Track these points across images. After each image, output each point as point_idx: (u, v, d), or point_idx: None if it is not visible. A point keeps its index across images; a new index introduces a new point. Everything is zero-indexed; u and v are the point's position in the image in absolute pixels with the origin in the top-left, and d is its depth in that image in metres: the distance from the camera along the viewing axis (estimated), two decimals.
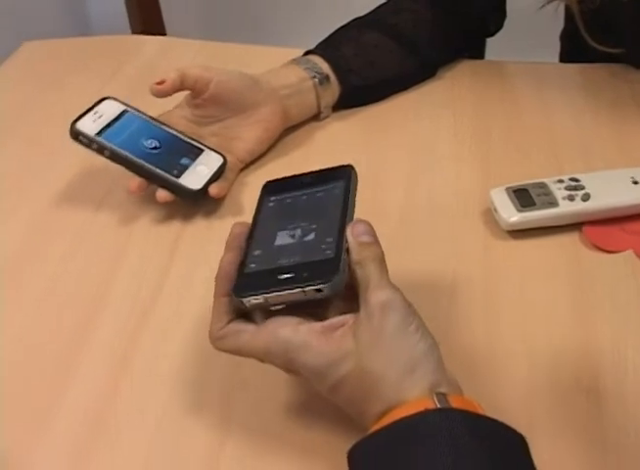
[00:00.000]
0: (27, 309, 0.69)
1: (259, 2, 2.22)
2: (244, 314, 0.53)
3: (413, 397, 0.47)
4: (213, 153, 0.78)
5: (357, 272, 0.51)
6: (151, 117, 0.80)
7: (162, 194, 0.75)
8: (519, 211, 0.71)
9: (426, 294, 0.67)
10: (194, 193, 0.75)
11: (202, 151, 0.78)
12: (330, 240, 0.53)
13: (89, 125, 0.76)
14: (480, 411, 0.47)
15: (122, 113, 0.79)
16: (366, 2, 0.97)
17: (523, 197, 0.72)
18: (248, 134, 0.82)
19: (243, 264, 0.53)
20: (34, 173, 0.86)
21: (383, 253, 0.53)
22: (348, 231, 0.53)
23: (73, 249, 0.75)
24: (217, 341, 0.53)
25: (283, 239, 0.55)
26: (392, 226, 0.75)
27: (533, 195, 0.73)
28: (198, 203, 0.77)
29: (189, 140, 0.79)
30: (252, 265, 0.53)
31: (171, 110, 0.82)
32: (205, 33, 2.11)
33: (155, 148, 0.77)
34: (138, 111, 0.80)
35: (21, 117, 0.95)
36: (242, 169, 0.83)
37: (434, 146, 0.86)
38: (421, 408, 0.46)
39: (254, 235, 0.56)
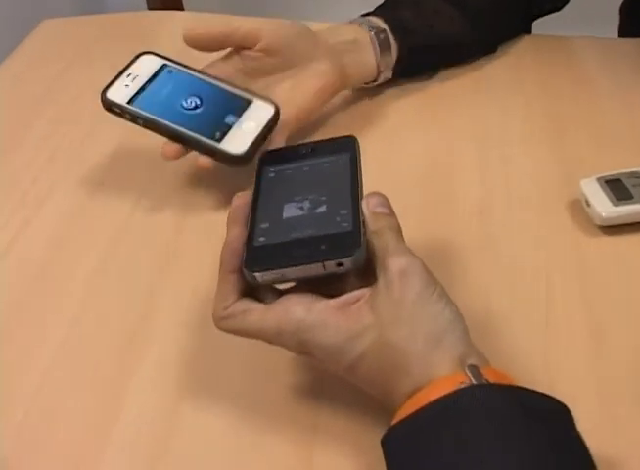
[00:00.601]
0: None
1: None
2: (250, 293, 0.50)
3: (444, 371, 0.45)
4: (264, 102, 0.69)
5: (374, 242, 0.49)
6: (194, 69, 0.71)
7: (202, 160, 0.68)
8: (615, 204, 0.64)
9: (519, 298, 0.60)
10: (236, 158, 0.66)
11: (250, 102, 0.69)
12: (345, 212, 0.51)
13: (121, 92, 0.68)
14: (515, 382, 0.45)
15: (161, 68, 0.70)
16: None
17: (617, 188, 0.65)
18: (304, 88, 0.74)
19: (250, 238, 0.51)
20: (65, 157, 0.78)
21: (399, 224, 0.51)
22: (363, 203, 0.51)
23: (113, 243, 0.68)
24: (222, 321, 0.50)
25: (291, 211, 0.52)
26: (471, 222, 0.68)
27: (629, 186, 0.65)
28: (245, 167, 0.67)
29: (235, 91, 0.70)
30: (262, 239, 0.51)
31: (215, 61, 0.74)
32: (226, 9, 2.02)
33: (195, 107, 0.68)
34: (179, 63, 0.71)
35: (45, 98, 0.87)
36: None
37: (504, 131, 0.78)
38: (455, 385, 0.43)
39: (258, 207, 0.53)
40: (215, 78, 0.70)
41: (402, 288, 0.46)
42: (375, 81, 0.83)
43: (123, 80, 0.69)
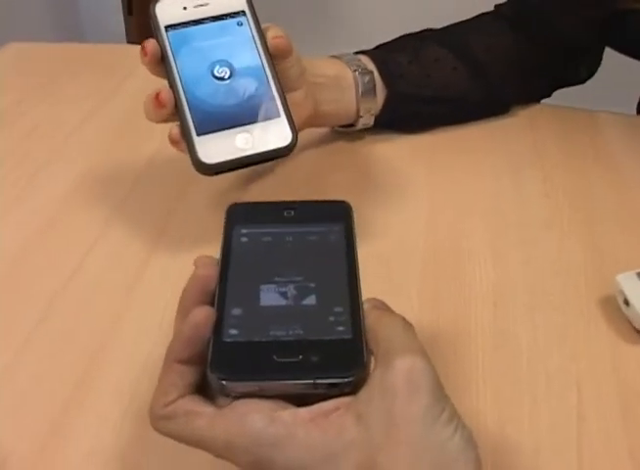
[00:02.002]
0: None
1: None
2: (201, 389, 0.40)
3: None
4: (286, 129, 0.56)
5: (375, 328, 0.40)
6: (264, 39, 0.58)
7: (174, 133, 0.56)
8: None
9: (543, 412, 0.49)
10: (197, 163, 0.54)
11: (277, 116, 0.56)
12: (339, 310, 0.41)
13: (172, 11, 0.57)
14: None
15: (236, 13, 0.59)
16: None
17: None
18: None
19: (218, 327, 0.40)
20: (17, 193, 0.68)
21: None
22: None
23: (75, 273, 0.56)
24: (160, 421, 0.39)
25: (271, 297, 0.42)
26: (483, 314, 0.57)
27: None
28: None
29: (275, 93, 0.57)
30: (234, 331, 0.40)
31: None
32: None
33: (221, 78, 0.57)
34: (258, 26, 0.59)
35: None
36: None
37: (521, 210, 0.68)
38: None
39: (228, 284, 0.42)
40: (273, 69, 0.58)
41: (406, 398, 0.36)
42: (353, 126, 0.74)
43: (187, 0, 0.58)
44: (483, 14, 0.81)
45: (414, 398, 0.36)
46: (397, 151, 0.75)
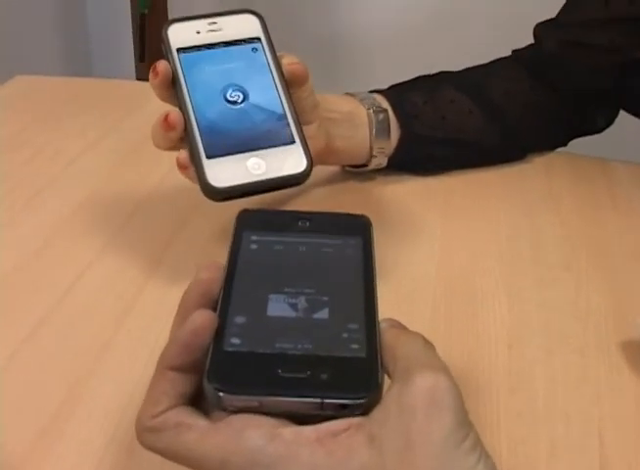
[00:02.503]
0: None
1: None
2: (194, 401, 0.36)
3: None
4: (301, 155, 0.53)
5: (393, 352, 0.36)
6: (279, 66, 0.56)
7: (182, 157, 0.53)
8: None
9: (564, 460, 0.45)
10: (205, 187, 0.51)
11: (292, 142, 0.53)
12: (354, 327, 0.37)
13: (185, 35, 0.55)
14: None
15: (252, 39, 0.57)
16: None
17: None
18: None
19: (219, 335, 0.37)
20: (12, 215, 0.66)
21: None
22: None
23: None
24: (146, 433, 0.35)
25: (279, 307, 0.39)
26: (497, 356, 0.53)
27: None
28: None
29: (290, 119, 0.54)
30: (236, 341, 0.37)
31: None
32: None
33: (233, 102, 0.54)
34: (274, 51, 0.57)
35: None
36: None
37: (537, 252, 0.65)
38: None
39: (233, 291, 0.39)
40: (288, 95, 0.55)
41: (426, 419, 0.33)
42: (365, 166, 0.71)
43: (202, 24, 0.56)
44: (501, 58, 0.80)
45: (435, 419, 0.33)
46: (410, 193, 0.73)
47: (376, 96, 0.72)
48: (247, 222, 0.45)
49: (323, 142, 0.64)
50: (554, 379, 0.51)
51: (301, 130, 0.54)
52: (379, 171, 0.73)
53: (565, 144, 0.82)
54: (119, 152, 0.77)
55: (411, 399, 0.33)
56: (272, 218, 0.46)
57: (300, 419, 0.35)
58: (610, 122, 0.82)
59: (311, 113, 0.61)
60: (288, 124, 0.54)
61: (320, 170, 0.70)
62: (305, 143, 0.53)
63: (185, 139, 0.53)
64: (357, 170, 0.73)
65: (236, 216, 0.45)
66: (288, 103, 0.55)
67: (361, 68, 1.92)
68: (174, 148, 0.54)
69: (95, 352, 0.52)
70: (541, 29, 0.79)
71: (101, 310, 0.55)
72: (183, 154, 0.53)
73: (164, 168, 0.71)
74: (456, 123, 0.74)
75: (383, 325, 0.38)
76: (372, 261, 0.42)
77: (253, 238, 0.43)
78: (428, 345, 0.37)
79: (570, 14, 0.78)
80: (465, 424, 0.33)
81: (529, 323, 0.56)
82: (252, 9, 0.58)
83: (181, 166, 0.53)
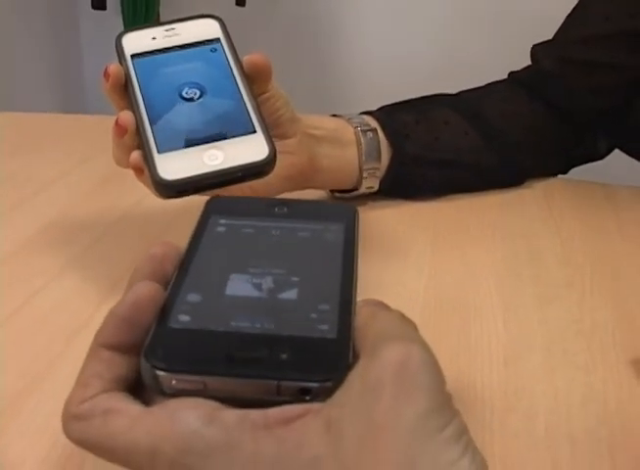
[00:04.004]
0: None
1: None
2: (134, 388, 0.31)
3: None
4: (265, 142, 0.48)
5: (365, 331, 0.30)
6: (240, 63, 0.52)
7: (135, 157, 0.48)
8: None
9: None
10: (155, 181, 0.46)
11: (252, 132, 0.48)
12: (325, 308, 0.33)
13: (140, 41, 0.52)
14: None
15: (210, 41, 0.53)
16: None
17: None
18: None
19: (165, 312, 0.32)
20: None
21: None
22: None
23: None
24: (72, 422, 0.29)
25: (240, 287, 0.34)
26: (493, 370, 0.47)
27: None
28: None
29: (251, 111, 0.49)
30: (184, 318, 0.32)
31: None
32: None
33: (190, 99, 0.50)
34: (234, 48, 0.53)
35: None
36: None
37: (538, 267, 0.59)
38: None
39: (190, 269, 0.35)
40: (250, 90, 0.51)
41: (394, 401, 0.26)
42: (356, 190, 0.66)
43: (158, 31, 0.53)
44: (496, 81, 0.76)
45: (405, 399, 0.27)
46: (399, 213, 0.68)
47: (365, 116, 0.68)
48: (216, 207, 0.40)
49: (305, 158, 0.60)
50: (556, 397, 0.45)
51: (264, 121, 0.49)
52: (368, 196, 0.68)
53: (565, 171, 0.78)
54: (91, 180, 0.73)
55: (377, 374, 0.27)
56: (246, 204, 0.42)
57: (254, 407, 0.29)
58: (611, 149, 0.77)
59: (290, 126, 0.57)
60: (248, 115, 0.49)
61: (307, 196, 0.65)
62: (268, 133, 0.49)
63: (139, 141, 0.49)
64: (348, 195, 0.68)
65: (206, 200, 0.41)
66: (248, 96, 0.50)
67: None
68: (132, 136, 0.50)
69: (42, 367, 0.46)
70: (539, 50, 0.75)
71: (52, 328, 0.50)
72: (136, 154, 0.48)
73: (134, 197, 0.68)
74: (451, 145, 0.69)
75: (360, 304, 0.33)
76: (354, 246, 0.38)
77: (222, 222, 0.39)
78: (406, 320, 0.31)
79: (568, 32, 0.74)
80: (445, 408, 0.28)
81: (528, 340, 0.50)
82: (213, 13, 0.55)
83: (136, 169, 0.49)
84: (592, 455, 0.41)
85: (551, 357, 0.49)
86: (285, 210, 0.40)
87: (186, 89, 0.50)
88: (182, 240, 0.37)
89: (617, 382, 0.46)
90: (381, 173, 0.66)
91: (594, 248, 0.63)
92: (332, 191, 0.69)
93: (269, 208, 0.40)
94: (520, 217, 0.68)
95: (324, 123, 0.64)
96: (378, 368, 0.27)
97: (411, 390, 0.27)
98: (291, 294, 0.34)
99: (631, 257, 0.62)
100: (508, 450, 0.41)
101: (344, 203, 0.39)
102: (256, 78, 0.52)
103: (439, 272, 0.58)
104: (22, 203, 0.67)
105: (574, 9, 0.75)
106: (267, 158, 0.47)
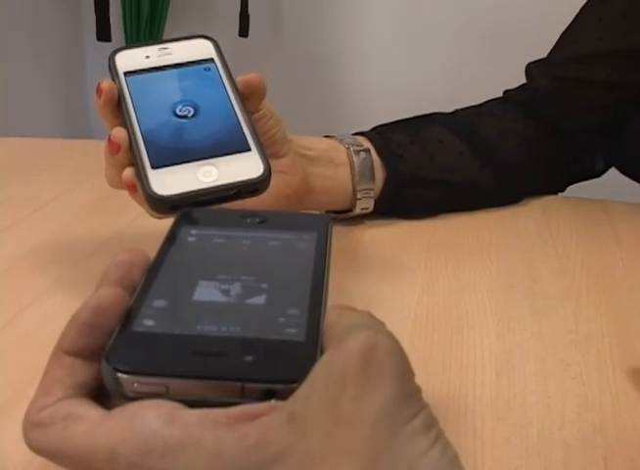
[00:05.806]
0: None
1: None
2: (97, 395, 0.30)
3: None
4: (260, 159, 0.48)
5: (333, 330, 0.30)
6: (234, 83, 0.52)
7: (127, 174, 0.48)
8: None
9: None
10: (148, 197, 0.46)
11: (247, 149, 0.48)
12: (294, 312, 0.32)
13: (134, 59, 0.52)
14: None
15: (204, 61, 0.53)
16: None
17: None
18: None
19: (129, 317, 0.31)
20: None
21: None
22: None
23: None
24: (33, 430, 0.28)
25: (208, 293, 0.33)
26: (484, 380, 0.46)
27: None
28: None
29: (246, 129, 0.49)
30: (149, 322, 0.31)
31: None
32: None
33: (183, 116, 0.50)
34: (227, 68, 0.53)
35: None
36: None
37: (533, 279, 0.59)
38: None
39: (157, 276, 0.34)
40: (244, 108, 0.51)
41: (359, 390, 0.26)
42: (350, 211, 0.65)
43: (152, 50, 0.53)
44: (492, 100, 0.76)
45: (370, 388, 0.26)
46: (392, 230, 0.67)
47: (357, 137, 0.67)
48: (188, 218, 0.40)
49: (298, 177, 0.59)
50: (550, 407, 0.44)
51: (259, 139, 0.49)
52: (362, 216, 0.68)
53: (562, 189, 0.77)
54: (85, 203, 0.73)
55: (342, 364, 0.26)
56: (218, 216, 0.41)
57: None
58: (608, 166, 0.77)
59: (282, 145, 0.57)
60: (243, 133, 0.49)
61: None
62: (263, 151, 0.49)
63: (132, 158, 0.49)
64: (342, 216, 0.67)
65: (178, 213, 0.40)
66: (242, 114, 0.50)
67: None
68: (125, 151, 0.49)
69: (27, 378, 0.46)
70: (533, 68, 0.75)
71: (39, 341, 0.50)
72: (128, 171, 0.48)
73: (127, 218, 0.67)
74: (446, 164, 0.69)
75: (328, 308, 0.32)
76: (325, 253, 0.37)
77: (193, 232, 0.39)
78: (374, 318, 0.30)
79: (562, 51, 0.74)
80: (414, 399, 0.27)
81: (522, 350, 0.49)
82: (209, 36, 0.55)
83: (129, 186, 0.48)
84: (586, 463, 0.40)
85: (545, 367, 0.48)
86: (257, 220, 0.40)
87: (180, 107, 0.51)
88: None
89: (612, 391, 0.45)
90: (375, 194, 0.65)
91: (590, 261, 0.62)
92: (327, 212, 0.68)
93: (242, 218, 0.40)
94: (516, 232, 0.68)
95: (316, 144, 0.63)
96: (343, 358, 0.27)
97: (377, 378, 0.26)
98: (259, 299, 0.33)
99: (628, 270, 0.61)
100: (500, 462, 0.40)
101: (319, 213, 0.38)
102: (250, 97, 0.52)
103: (433, 286, 0.58)
104: (17, 223, 0.67)
105: (568, 27, 0.75)
106: (262, 175, 0.47)
